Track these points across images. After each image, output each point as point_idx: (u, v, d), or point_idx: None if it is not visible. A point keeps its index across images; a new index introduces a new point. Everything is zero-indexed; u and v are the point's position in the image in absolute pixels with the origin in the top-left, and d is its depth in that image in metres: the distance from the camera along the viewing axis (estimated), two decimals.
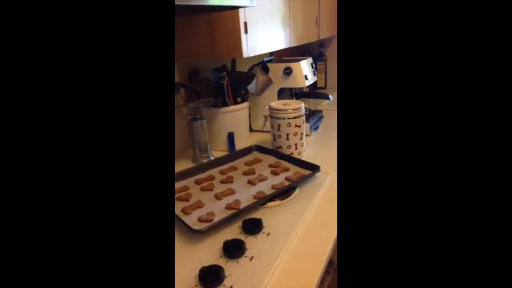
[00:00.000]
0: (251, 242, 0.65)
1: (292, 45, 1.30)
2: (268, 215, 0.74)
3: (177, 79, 1.18)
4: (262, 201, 0.78)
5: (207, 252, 0.63)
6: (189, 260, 0.62)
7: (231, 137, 1.15)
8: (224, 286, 0.54)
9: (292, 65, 1.25)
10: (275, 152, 1.06)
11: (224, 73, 1.14)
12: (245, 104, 1.18)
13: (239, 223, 0.71)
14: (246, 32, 0.96)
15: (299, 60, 1.29)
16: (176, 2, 0.60)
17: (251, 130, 1.38)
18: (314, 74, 1.41)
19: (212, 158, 1.08)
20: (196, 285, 0.55)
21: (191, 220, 0.72)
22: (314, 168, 0.92)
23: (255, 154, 1.10)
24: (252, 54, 1.00)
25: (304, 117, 1.04)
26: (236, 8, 0.89)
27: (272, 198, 0.80)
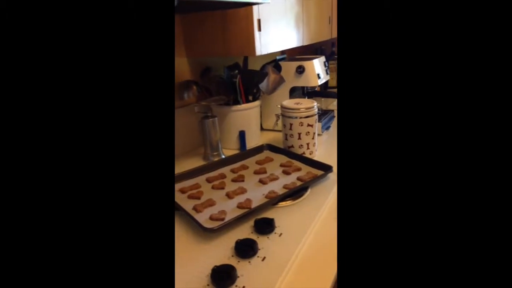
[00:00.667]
0: (263, 242, 0.64)
1: (305, 44, 1.28)
2: (280, 215, 0.73)
3: (189, 76, 1.17)
4: (274, 200, 0.77)
5: (219, 251, 0.63)
6: (200, 258, 0.61)
7: (242, 135, 1.15)
8: (236, 286, 0.54)
9: (305, 63, 1.23)
10: (287, 152, 1.05)
11: (237, 71, 1.13)
12: (256, 103, 1.17)
13: (251, 223, 0.70)
14: (259, 29, 0.95)
15: (311, 59, 1.27)
16: None
17: (262, 129, 1.37)
18: (327, 73, 1.39)
19: (223, 156, 1.08)
20: (208, 285, 0.54)
21: (202, 218, 0.71)
22: (327, 169, 0.90)
23: (267, 153, 1.09)
24: (265, 52, 0.99)
25: (316, 117, 1.03)
26: (250, 4, 0.88)
27: (284, 198, 0.79)
